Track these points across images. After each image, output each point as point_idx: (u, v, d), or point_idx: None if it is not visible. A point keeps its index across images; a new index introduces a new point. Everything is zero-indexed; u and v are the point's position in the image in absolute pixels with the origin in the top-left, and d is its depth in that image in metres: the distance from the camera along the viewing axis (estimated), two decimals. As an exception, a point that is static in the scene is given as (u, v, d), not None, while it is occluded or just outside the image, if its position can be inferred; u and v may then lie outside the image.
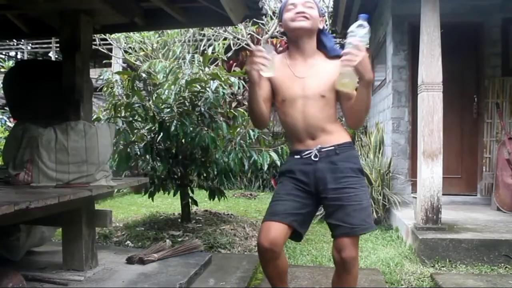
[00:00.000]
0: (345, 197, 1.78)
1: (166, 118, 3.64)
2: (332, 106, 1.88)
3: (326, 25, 1.95)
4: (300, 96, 1.87)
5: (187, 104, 3.77)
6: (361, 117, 1.87)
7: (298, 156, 1.89)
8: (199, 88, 3.84)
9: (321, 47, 1.95)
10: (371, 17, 6.31)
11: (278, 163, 3.81)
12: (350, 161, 1.86)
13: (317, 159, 1.84)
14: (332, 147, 1.84)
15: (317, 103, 1.85)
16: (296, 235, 1.89)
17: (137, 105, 3.64)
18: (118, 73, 4.80)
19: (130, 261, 2.67)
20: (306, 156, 1.86)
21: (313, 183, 1.84)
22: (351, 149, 1.91)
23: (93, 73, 5.62)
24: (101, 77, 5.05)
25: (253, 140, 3.98)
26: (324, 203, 1.85)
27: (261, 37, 7.45)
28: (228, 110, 4.08)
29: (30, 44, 12.41)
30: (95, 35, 6.42)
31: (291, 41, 1.95)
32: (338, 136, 1.88)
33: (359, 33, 1.70)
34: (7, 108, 6.18)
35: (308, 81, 1.87)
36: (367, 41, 1.69)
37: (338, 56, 1.78)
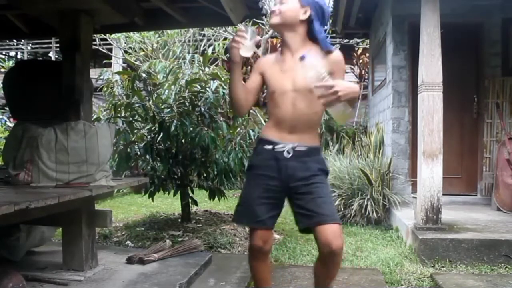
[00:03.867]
0: (315, 191, 1.87)
1: (166, 118, 3.64)
2: (319, 101, 1.83)
3: (310, 15, 1.92)
4: (290, 90, 1.92)
5: (187, 104, 3.77)
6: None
7: (270, 147, 1.93)
8: (199, 88, 3.84)
9: (314, 38, 1.96)
10: (372, 17, 6.31)
11: None
12: (319, 162, 1.95)
13: (289, 156, 1.90)
14: (305, 149, 1.92)
15: (306, 98, 1.89)
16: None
17: (137, 105, 3.64)
18: (118, 73, 4.81)
19: (130, 261, 2.68)
20: (279, 150, 1.92)
21: (285, 179, 1.90)
22: (320, 153, 2.01)
23: (93, 73, 5.60)
24: (101, 77, 5.06)
25: (253, 140, 3.98)
26: (294, 196, 1.92)
27: (261, 37, 7.45)
28: (228, 110, 4.08)
29: (30, 44, 12.40)
30: (95, 35, 6.43)
31: (281, 36, 2.04)
32: (313, 138, 1.97)
33: (320, 70, 1.70)
34: (7, 108, 6.18)
35: (296, 75, 1.91)
36: (324, 72, 1.70)
37: (330, 52, 1.90)
